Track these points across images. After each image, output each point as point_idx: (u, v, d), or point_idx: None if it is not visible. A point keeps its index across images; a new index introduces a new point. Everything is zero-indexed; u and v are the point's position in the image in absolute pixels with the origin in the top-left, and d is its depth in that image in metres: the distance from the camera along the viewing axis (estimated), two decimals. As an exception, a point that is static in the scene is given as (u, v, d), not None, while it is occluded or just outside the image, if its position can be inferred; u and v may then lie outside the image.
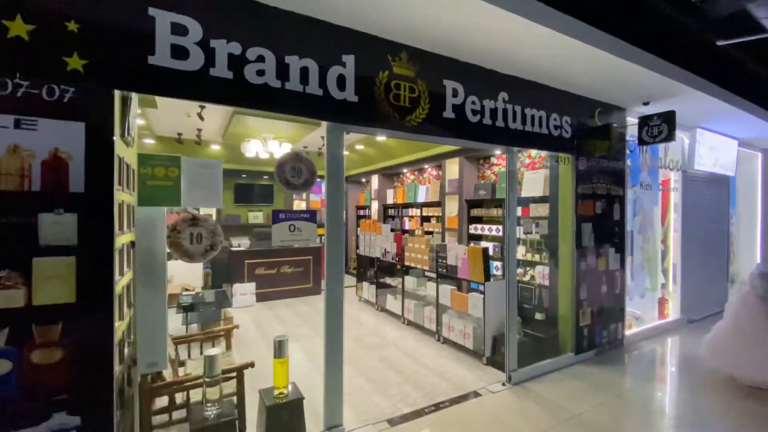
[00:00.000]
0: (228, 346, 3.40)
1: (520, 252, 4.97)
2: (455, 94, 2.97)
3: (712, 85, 3.95)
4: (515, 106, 3.34)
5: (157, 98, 4.38)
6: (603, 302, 4.12)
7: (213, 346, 3.37)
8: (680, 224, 5.20)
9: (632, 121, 4.43)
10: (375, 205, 8.27)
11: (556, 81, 3.51)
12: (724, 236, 6.11)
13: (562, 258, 4.00)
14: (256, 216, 8.63)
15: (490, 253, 4.58)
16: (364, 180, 9.33)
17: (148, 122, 5.65)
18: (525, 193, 4.96)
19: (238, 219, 8.44)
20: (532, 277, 4.52)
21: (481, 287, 3.90)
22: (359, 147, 7.25)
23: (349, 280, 8.18)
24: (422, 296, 4.92)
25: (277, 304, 6.33)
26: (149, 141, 6.60)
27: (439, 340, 4.48)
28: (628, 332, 4.42)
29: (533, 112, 3.47)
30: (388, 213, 8.10)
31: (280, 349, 2.49)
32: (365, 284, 6.33)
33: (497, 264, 5.21)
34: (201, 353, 3.29)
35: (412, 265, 5.04)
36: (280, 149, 6.08)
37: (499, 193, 5.23)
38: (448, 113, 2.93)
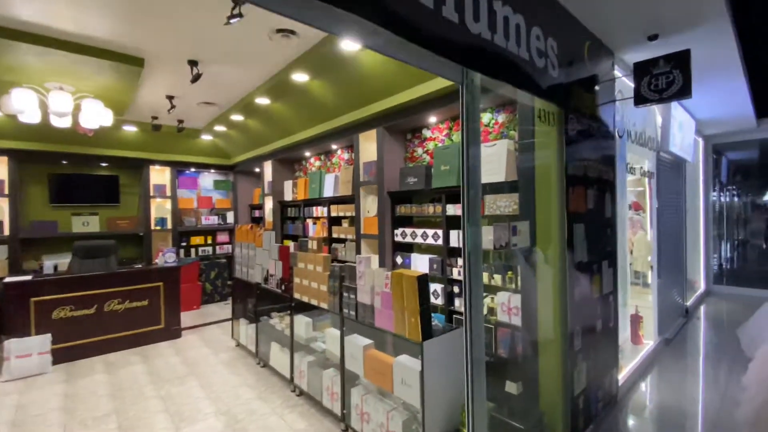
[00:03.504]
0: None
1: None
2: None
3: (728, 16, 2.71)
4: (478, -10, 1.61)
5: None
6: (599, 347, 2.66)
7: None
8: (655, 219, 4.09)
9: (618, 75, 3.08)
10: (269, 203, 6.09)
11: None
12: (682, 231, 5.30)
13: (543, 281, 2.43)
14: (87, 222, 5.83)
15: (426, 269, 2.80)
16: (257, 170, 7.06)
17: None
18: (474, 179, 3.34)
19: (55, 227, 5.58)
20: (491, 311, 2.89)
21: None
22: (236, 117, 5.03)
23: (227, 310, 5.58)
24: (320, 351, 3.00)
25: (95, 365, 3.86)
26: None
27: (346, 431, 2.60)
28: (620, 378, 3.06)
29: (507, 11, 1.77)
30: (286, 213, 5.99)
31: None
32: (243, 323, 4.20)
33: (435, 288, 3.51)
34: None
35: (305, 299, 3.09)
36: (86, 111, 3.62)
37: (436, 179, 3.54)
38: (326, -64, 1.05)
